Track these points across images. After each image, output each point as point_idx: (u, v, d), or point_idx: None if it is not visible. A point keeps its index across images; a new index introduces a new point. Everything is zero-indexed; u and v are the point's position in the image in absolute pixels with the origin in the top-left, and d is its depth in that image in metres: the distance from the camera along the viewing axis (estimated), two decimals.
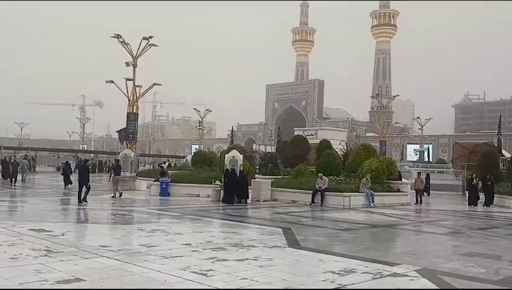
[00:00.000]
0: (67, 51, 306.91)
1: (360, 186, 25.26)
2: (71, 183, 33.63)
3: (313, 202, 24.67)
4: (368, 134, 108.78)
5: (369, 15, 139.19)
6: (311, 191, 24.95)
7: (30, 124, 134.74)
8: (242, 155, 28.00)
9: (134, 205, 22.76)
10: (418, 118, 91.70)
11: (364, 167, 26.99)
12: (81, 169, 24.08)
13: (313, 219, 19.95)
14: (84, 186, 22.31)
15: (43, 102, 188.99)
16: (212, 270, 8.93)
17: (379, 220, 19.63)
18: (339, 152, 34.07)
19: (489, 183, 27.64)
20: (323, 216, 20.57)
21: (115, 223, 16.99)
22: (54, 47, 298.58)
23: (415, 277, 9.00)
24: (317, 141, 42.00)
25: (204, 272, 8.76)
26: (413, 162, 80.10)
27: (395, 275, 9.08)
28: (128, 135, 36.64)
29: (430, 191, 36.17)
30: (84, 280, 7.91)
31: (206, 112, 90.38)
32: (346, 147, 41.50)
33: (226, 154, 28.19)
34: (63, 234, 12.74)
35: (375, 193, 25.43)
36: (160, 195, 27.37)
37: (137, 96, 36.60)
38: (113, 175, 28.52)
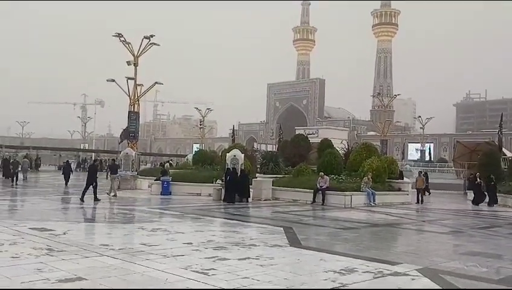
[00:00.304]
0: (69, 50, 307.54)
1: (361, 186, 25.26)
2: (67, 182, 33.75)
3: (314, 201, 24.67)
4: (369, 133, 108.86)
5: (370, 14, 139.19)
6: (312, 190, 24.94)
7: (31, 123, 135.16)
8: (243, 154, 28.03)
9: (135, 204, 22.78)
10: (419, 117, 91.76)
11: (366, 166, 26.98)
12: (90, 168, 24.56)
13: (314, 218, 19.96)
14: (91, 185, 22.77)
15: (45, 101, 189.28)
16: (213, 269, 8.94)
17: (380, 219, 19.63)
18: (340, 151, 34.04)
19: (492, 183, 27.56)
20: (325, 215, 20.57)
21: (116, 222, 17.01)
22: (55, 46, 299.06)
23: (416, 276, 9.00)
24: (319, 140, 42.00)
25: (205, 271, 8.77)
26: (414, 161, 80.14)
27: (396, 274, 9.08)
28: (129, 133, 36.66)
29: (430, 191, 36.06)
30: (85, 279, 7.93)
31: (208, 110, 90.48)
32: (348, 146, 41.48)
33: (227, 153, 28.22)
34: (64, 233, 12.75)
35: (376, 192, 25.42)
36: (161, 194, 27.36)
37: (139, 95, 36.60)
38: (109, 174, 28.72)
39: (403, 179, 29.59)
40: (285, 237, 13.44)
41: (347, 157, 31.79)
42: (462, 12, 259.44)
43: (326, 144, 36.63)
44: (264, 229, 15.36)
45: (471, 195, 31.05)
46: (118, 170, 29.13)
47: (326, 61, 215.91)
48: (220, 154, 36.53)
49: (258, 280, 8.21)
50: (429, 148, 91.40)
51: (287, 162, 34.20)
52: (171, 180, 28.25)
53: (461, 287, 8.33)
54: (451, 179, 47.38)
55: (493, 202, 27.15)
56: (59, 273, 8.23)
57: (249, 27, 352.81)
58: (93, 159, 30.78)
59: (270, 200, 25.98)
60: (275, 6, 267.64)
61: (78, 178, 44.11)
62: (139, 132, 40.31)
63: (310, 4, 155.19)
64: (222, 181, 26.05)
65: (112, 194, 25.65)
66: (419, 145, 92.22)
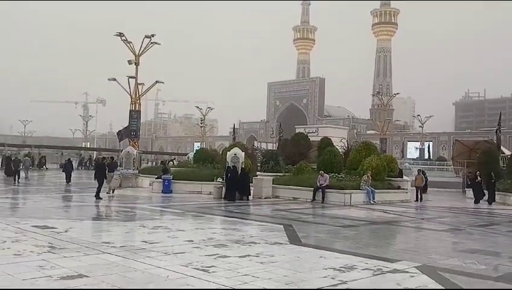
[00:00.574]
0: (70, 49, 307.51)
1: (361, 184, 25.33)
2: (70, 181, 33.91)
3: (314, 199, 24.75)
4: (368, 132, 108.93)
5: (370, 13, 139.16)
6: (312, 188, 25.02)
7: (34, 122, 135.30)
8: (244, 153, 28.07)
9: (136, 202, 22.84)
10: (419, 115, 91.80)
11: (365, 164, 27.06)
12: (99, 166, 24.98)
13: (314, 215, 20.03)
14: (102, 183, 23.51)
15: (47, 100, 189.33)
16: (214, 266, 9.01)
17: (379, 217, 19.70)
18: (339, 149, 34.12)
19: (493, 181, 27.57)
20: (324, 213, 20.64)
21: (117, 219, 17.07)
22: (56, 46, 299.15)
23: (415, 273, 9.07)
24: (318, 139, 42.08)
25: (206, 268, 8.84)
26: (413, 159, 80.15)
27: (395, 271, 9.15)
28: (130, 132, 36.74)
29: (428, 189, 36.04)
30: (87, 276, 7.98)
31: (208, 109, 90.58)
32: (347, 144, 41.56)
33: (228, 152, 28.26)
34: (66, 231, 12.82)
35: (376, 190, 25.50)
36: (162, 192, 27.42)
37: (140, 94, 36.68)
38: (107, 173, 28.82)
39: (402, 177, 29.66)
40: (285, 234, 13.51)
41: (347, 156, 31.86)
42: (461, 11, 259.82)
43: (326, 142, 36.71)
44: (264, 227, 15.43)
45: (469, 193, 31.15)
46: (119, 168, 29.20)
47: (326, 61, 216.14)
48: (221, 152, 36.58)
49: (258, 277, 8.27)
50: (428, 147, 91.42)
51: (287, 160, 34.29)
52: (172, 179, 28.32)
53: (459, 284, 8.40)
54: (450, 177, 47.44)
55: (492, 199, 27.19)
56: (61, 271, 8.29)
57: (250, 26, 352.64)
58: (101, 157, 30.92)
59: (270, 198, 26.04)
60: (275, 6, 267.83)
61: (80, 176, 44.28)
62: (140, 131, 40.38)
63: (310, 4, 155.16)
64: (223, 179, 26.10)
65: (110, 192, 25.77)
66: (418, 143, 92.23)
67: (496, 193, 27.66)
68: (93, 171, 27.57)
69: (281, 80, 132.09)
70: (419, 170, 34.49)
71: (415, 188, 29.06)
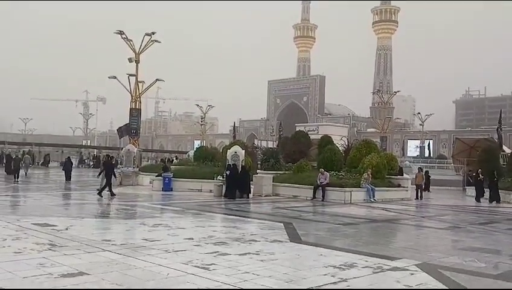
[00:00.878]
0: (70, 47, 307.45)
1: (361, 182, 25.34)
2: (70, 179, 33.96)
3: (314, 197, 24.76)
4: (368, 130, 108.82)
5: (370, 11, 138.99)
6: (313, 186, 25.04)
7: (34, 120, 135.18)
8: (244, 151, 28.08)
9: (137, 200, 22.86)
10: (419, 113, 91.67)
11: (365, 162, 27.08)
12: (107, 164, 25.23)
13: (314, 213, 20.04)
14: (111, 180, 23.69)
15: (47, 98, 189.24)
16: (214, 264, 9.01)
17: (380, 215, 19.72)
18: (340, 148, 34.14)
19: (495, 179, 27.41)
20: (324, 211, 20.66)
21: (118, 217, 17.09)
22: (57, 44, 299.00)
23: (415, 271, 9.07)
24: (319, 137, 42.08)
25: (206, 266, 8.85)
26: (413, 157, 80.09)
27: (395, 269, 9.16)
28: (131, 130, 36.75)
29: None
30: (87, 274, 7.99)
31: (208, 107, 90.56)
32: (347, 142, 41.54)
33: (228, 150, 28.28)
34: (66, 229, 12.83)
35: (376, 188, 25.51)
36: (162, 190, 27.47)
37: (140, 92, 36.69)
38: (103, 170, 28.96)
39: (402, 175, 29.66)
40: (285, 232, 13.52)
41: (347, 154, 31.89)
42: (462, 9, 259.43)
43: (326, 140, 36.74)
44: (264, 224, 15.44)
45: (470, 191, 31.14)
46: (119, 166, 29.22)
47: (327, 59, 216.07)
48: (221, 150, 36.61)
49: (258, 275, 8.28)
50: (428, 145, 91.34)
51: (288, 158, 34.31)
52: (173, 177, 28.35)
53: (460, 282, 8.40)
54: (451, 175, 47.41)
55: (495, 198, 26.90)
56: (61, 268, 8.30)
57: (250, 24, 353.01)
58: (110, 155, 31.03)
59: (270, 196, 26.07)
60: (275, 4, 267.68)
61: (81, 174, 44.30)
62: (141, 129, 40.40)
63: (310, 2, 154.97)
64: (223, 177, 26.12)
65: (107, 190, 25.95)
66: (418, 141, 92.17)
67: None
68: (94, 169, 27.71)
69: (281, 78, 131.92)
70: (419, 168, 34.52)
71: (415, 186, 29.08)
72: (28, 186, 30.13)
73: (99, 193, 23.11)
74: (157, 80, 38.88)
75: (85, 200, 22.64)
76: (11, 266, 8.41)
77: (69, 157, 40.94)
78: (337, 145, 34.99)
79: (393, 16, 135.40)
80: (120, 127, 39.84)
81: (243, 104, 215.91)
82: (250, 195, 25.44)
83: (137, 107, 36.63)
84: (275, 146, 54.39)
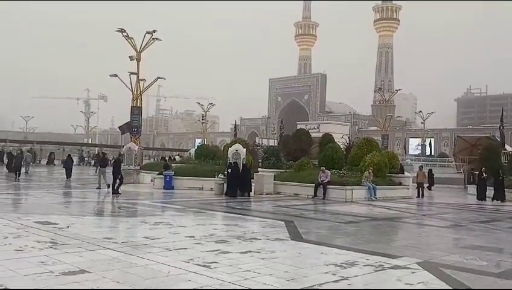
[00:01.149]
0: (72, 45, 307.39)
1: (362, 180, 25.33)
2: (70, 176, 34.00)
3: (315, 195, 24.75)
4: (370, 128, 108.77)
5: (371, 9, 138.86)
6: (314, 185, 25.03)
7: (35, 118, 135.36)
8: (245, 149, 28.07)
9: (138, 198, 22.87)
10: (420, 111, 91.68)
11: (367, 160, 27.05)
12: (115, 163, 25.56)
13: (315, 212, 20.03)
14: (117, 179, 23.86)
15: (48, 96, 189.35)
16: (215, 262, 9.02)
17: (381, 213, 19.71)
18: (341, 146, 34.11)
19: (500, 177, 27.19)
20: (325, 209, 20.65)
21: (119, 215, 17.11)
22: (57, 42, 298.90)
23: (417, 269, 9.07)
24: (320, 135, 42.03)
25: (207, 264, 8.85)
26: (415, 155, 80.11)
27: (396, 267, 9.16)
28: (132, 128, 36.74)
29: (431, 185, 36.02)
30: (88, 272, 8.00)
31: (210, 105, 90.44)
32: (349, 140, 41.52)
33: (229, 148, 28.27)
34: (68, 227, 12.85)
35: (377, 187, 25.50)
36: (164, 188, 27.47)
37: (141, 90, 36.67)
38: (99, 168, 29.14)
39: (403, 173, 29.61)
40: (287, 230, 13.53)
41: (348, 152, 31.86)
42: (463, 7, 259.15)
43: (327, 138, 36.70)
44: (265, 223, 15.45)
45: (471, 189, 31.02)
46: (122, 165, 29.24)
47: (328, 57, 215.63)
48: (222, 148, 36.59)
49: (260, 273, 8.28)
50: (430, 143, 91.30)
51: (289, 156, 34.25)
52: (174, 175, 28.36)
53: (461, 281, 8.39)
54: (452, 174, 47.42)
55: (500, 197, 26.51)
56: (62, 266, 8.31)
57: (251, 22, 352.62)
58: (118, 154, 31.21)
59: (271, 194, 26.07)
60: (276, 2, 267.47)
61: (82, 172, 44.32)
62: (142, 127, 40.40)
63: (311, 2, 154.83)
64: (224, 175, 26.13)
65: (106, 187, 26.04)
66: (420, 140, 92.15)
67: (489, 188, 27.32)
68: (94, 167, 27.96)
69: (283, 76, 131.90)
70: (420, 166, 34.50)
71: (416, 184, 29.04)
72: (29, 184, 30.13)
73: (115, 192, 23.46)
74: (158, 78, 38.85)
75: (86, 198, 22.67)
76: (13, 264, 8.41)
77: (69, 155, 40.98)
78: (338, 143, 34.96)
79: (394, 13, 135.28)
80: (122, 125, 39.89)
81: (244, 102, 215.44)
82: (251, 193, 25.41)
83: (138, 105, 36.61)
84: (276, 144, 54.35)
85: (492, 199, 26.67)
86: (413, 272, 8.83)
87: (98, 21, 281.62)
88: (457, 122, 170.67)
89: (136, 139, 36.77)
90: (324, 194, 24.49)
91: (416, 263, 9.57)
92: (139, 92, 36.34)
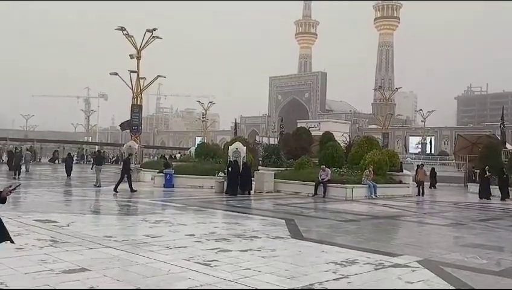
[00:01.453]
0: (72, 43, 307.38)
1: (363, 178, 25.32)
2: (70, 174, 34.06)
3: (315, 193, 24.75)
4: (370, 126, 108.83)
5: (372, 7, 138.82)
6: (314, 183, 25.03)
7: (36, 116, 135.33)
8: (245, 147, 28.07)
9: (138, 196, 22.85)
10: (421, 110, 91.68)
11: (367, 158, 27.04)
12: (125, 161, 25.90)
13: (316, 210, 20.04)
14: (125, 177, 24.29)
15: (48, 94, 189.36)
16: (215, 260, 9.01)
17: (381, 211, 19.70)
18: (341, 144, 34.12)
19: (505, 176, 27.03)
20: (326, 207, 20.64)
21: (119, 214, 17.11)
22: (58, 40, 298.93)
23: (417, 267, 9.06)
24: (320, 133, 42.11)
25: (207, 262, 8.85)
26: (415, 154, 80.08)
27: (396, 265, 9.15)
28: (132, 126, 36.76)
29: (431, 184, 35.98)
30: (89, 270, 8.00)
31: (210, 104, 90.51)
32: (349, 139, 41.58)
33: (230, 146, 28.28)
34: (68, 225, 12.84)
35: (378, 185, 25.49)
36: (164, 186, 27.45)
37: (141, 88, 36.67)
38: (95, 165, 29.22)
39: (402, 171, 29.56)
40: (287, 229, 13.52)
41: (348, 150, 31.87)
42: (463, 5, 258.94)
43: (327, 137, 36.76)
44: (265, 221, 15.45)
45: (472, 188, 31.00)
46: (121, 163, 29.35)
47: (328, 55, 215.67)
48: (222, 147, 36.59)
49: (260, 271, 8.28)
50: (430, 141, 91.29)
51: (289, 155, 34.29)
52: (174, 173, 28.35)
53: (461, 279, 8.37)
54: (452, 172, 47.38)
55: (505, 196, 26.37)
56: (63, 264, 8.31)
57: (251, 21, 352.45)
58: (127, 153, 31.13)
59: (272, 192, 26.07)
60: (276, 1, 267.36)
61: (82, 171, 44.32)
62: (142, 125, 40.44)
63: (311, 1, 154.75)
64: (224, 174, 26.13)
65: (97, 185, 26.10)
66: (420, 138, 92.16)
67: (493, 187, 27.25)
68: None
69: (283, 75, 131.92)
70: (418, 165, 34.45)
71: (416, 182, 29.02)
72: (29, 182, 30.10)
73: (132, 189, 23.82)
74: (158, 76, 38.88)
75: (86, 196, 22.68)
76: (13, 262, 8.41)
77: (69, 153, 41.04)
78: (338, 141, 34.98)
79: (395, 12, 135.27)
80: (123, 123, 39.95)
81: (245, 100, 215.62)
82: (252, 191, 25.43)
83: (138, 103, 36.65)
84: (276, 142, 54.36)
85: (501, 199, 26.37)
86: (413, 271, 8.82)
87: (98, 20, 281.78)
88: (458, 120, 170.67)
89: (137, 137, 36.79)
90: (324, 192, 24.49)
91: (417, 261, 9.55)
92: (139, 90, 36.36)
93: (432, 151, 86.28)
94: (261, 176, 26.79)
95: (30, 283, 7.21)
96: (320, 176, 25.08)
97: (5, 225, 6.62)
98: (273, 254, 9.90)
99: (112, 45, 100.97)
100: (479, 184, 28.63)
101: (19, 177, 31.70)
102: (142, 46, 35.50)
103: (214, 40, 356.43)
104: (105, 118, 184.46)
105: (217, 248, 10.22)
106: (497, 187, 27.29)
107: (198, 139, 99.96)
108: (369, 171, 25.49)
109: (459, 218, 18.51)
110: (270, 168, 29.53)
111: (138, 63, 35.66)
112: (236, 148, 26.94)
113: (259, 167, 29.69)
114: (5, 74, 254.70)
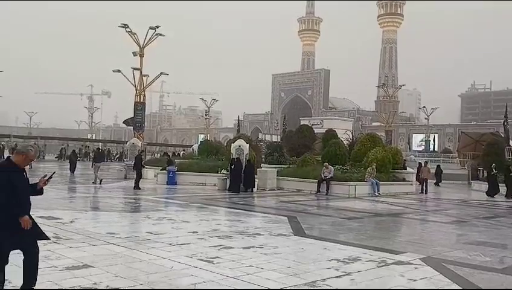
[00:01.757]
0: (75, 41, 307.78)
1: (366, 176, 25.30)
2: (74, 171, 34.18)
3: (318, 190, 24.74)
4: (373, 123, 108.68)
5: (375, 4, 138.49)
6: (317, 180, 25.02)
7: (39, 114, 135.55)
8: (248, 144, 28.07)
9: (141, 193, 22.88)
10: (424, 107, 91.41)
11: (370, 156, 27.03)
12: (136, 159, 26.39)
13: (318, 207, 20.03)
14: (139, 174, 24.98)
15: (52, 91, 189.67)
16: (218, 257, 9.02)
17: (384, 209, 19.69)
18: (344, 141, 34.10)
19: (511, 173, 26.89)
20: (329, 205, 20.64)
21: (122, 211, 17.11)
22: (62, 37, 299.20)
23: (420, 265, 9.06)
24: (323, 131, 42.13)
25: (210, 259, 8.86)
26: (419, 151, 79.98)
27: (399, 263, 9.14)
28: (135, 124, 36.82)
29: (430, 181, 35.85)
30: (92, 267, 8.02)
31: (213, 101, 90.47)
32: (352, 136, 41.54)
33: (232, 144, 28.27)
34: (71, 222, 12.87)
35: (381, 182, 25.47)
36: (167, 184, 27.51)
37: (145, 85, 36.71)
38: (94, 163, 29.33)
39: (405, 169, 29.55)
40: (290, 226, 13.52)
41: (351, 148, 31.86)
42: (467, 3, 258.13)
43: (330, 134, 36.77)
44: (268, 218, 15.45)
45: (475, 185, 30.95)
46: (125, 160, 29.41)
47: (331, 52, 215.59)
48: (225, 144, 36.62)
49: (262, 268, 8.28)
50: (434, 139, 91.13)
51: (292, 152, 34.30)
52: (177, 170, 28.38)
53: (464, 276, 8.36)
54: (456, 170, 47.33)
55: (511, 193, 26.24)
56: (66, 261, 8.33)
57: (254, 18, 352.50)
58: (139, 150, 31.30)
59: (274, 190, 26.08)
60: None
61: (85, 168, 44.35)
62: (145, 122, 40.50)
63: None
64: (227, 171, 26.13)
65: (98, 182, 26.30)
66: (423, 135, 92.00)
67: (499, 185, 27.13)
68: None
69: (286, 72, 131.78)
70: (420, 163, 34.44)
71: (417, 181, 28.99)
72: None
73: (136, 186, 24.23)
74: (161, 73, 38.90)
75: (90, 193, 22.69)
76: (16, 258, 8.40)
77: (73, 150, 41.16)
78: (341, 139, 34.96)
79: (398, 9, 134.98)
80: (127, 119, 40.07)
81: (247, 98, 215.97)
82: (255, 189, 25.44)
83: (141, 100, 36.71)
84: (279, 140, 54.37)
85: (506, 196, 26.22)
86: (416, 268, 8.81)
87: (102, 16, 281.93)
88: (461, 118, 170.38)
89: (140, 134, 36.83)
90: (327, 189, 24.48)
91: (420, 258, 9.55)
92: (142, 87, 36.38)
93: (436, 149, 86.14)
94: (264, 173, 26.80)
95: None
96: (323, 173, 25.06)
97: None
98: (275, 251, 9.90)
99: (115, 42, 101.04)
100: (487, 182, 28.46)
101: None
102: (145, 43, 35.51)
103: (217, 38, 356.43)
104: (109, 115, 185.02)
105: (219, 245, 10.23)
106: (504, 184, 27.09)
107: (201, 137, 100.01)
108: (372, 168, 25.46)
109: (462, 215, 18.47)
110: (273, 166, 29.55)
111: (141, 60, 35.72)
112: (239, 146, 26.94)
113: (262, 165, 29.71)
114: (9, 71, 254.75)
